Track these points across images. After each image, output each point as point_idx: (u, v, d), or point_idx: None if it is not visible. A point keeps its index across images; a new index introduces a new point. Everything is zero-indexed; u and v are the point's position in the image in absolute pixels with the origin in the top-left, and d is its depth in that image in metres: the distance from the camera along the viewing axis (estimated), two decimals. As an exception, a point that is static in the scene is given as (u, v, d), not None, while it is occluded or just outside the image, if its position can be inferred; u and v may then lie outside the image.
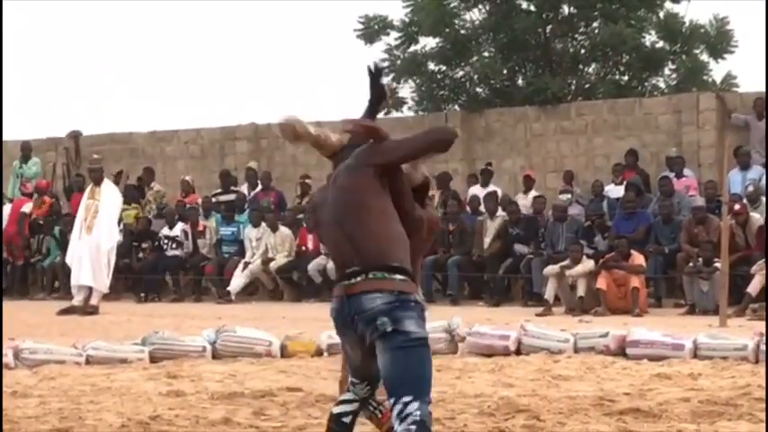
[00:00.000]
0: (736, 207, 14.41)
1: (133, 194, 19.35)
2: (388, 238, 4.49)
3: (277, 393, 8.01)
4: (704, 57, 21.26)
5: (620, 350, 9.65)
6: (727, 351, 9.29)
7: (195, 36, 45.78)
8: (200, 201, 19.02)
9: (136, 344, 10.27)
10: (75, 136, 20.74)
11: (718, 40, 20.82)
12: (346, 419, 4.83)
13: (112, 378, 8.97)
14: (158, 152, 21.88)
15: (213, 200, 18.83)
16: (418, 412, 4.27)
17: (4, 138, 22.95)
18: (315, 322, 11.43)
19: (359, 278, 4.45)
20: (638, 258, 14.51)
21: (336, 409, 4.87)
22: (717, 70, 21.31)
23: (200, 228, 18.33)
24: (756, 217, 14.72)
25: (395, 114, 21.57)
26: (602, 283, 14.35)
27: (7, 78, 46.27)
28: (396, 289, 4.40)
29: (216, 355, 10.11)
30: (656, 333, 9.85)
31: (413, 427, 4.26)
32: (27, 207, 19.82)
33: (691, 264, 14.27)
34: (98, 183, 15.88)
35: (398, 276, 4.43)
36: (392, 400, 4.34)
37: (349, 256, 4.50)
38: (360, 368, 4.71)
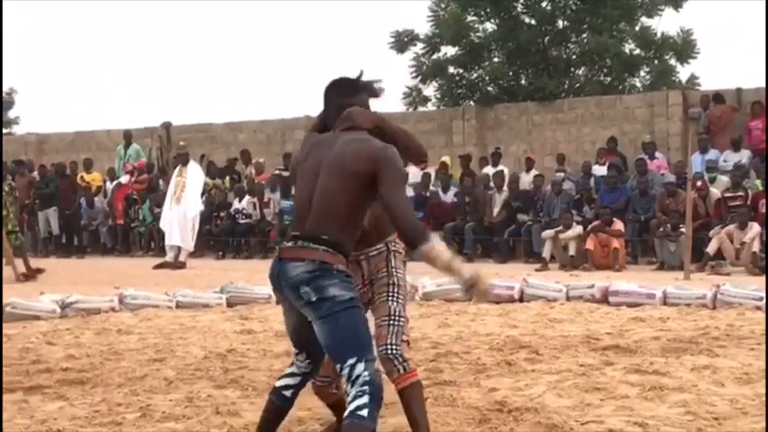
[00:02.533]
0: (698, 183, 14.35)
1: (211, 172, 19.42)
2: (336, 217, 3.70)
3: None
4: (672, 61, 21.18)
5: (604, 299, 9.60)
6: (690, 299, 9.23)
7: (264, 44, 45.84)
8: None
9: (216, 292, 10.33)
10: (166, 126, 20.73)
11: (684, 48, 20.72)
12: (287, 393, 4.05)
13: (197, 319, 9.02)
14: (232, 139, 21.92)
15: (276, 172, 18.83)
16: (366, 372, 3.60)
17: (111, 127, 23.13)
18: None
19: (291, 243, 3.78)
20: (618, 224, 14.42)
21: (279, 383, 4.09)
22: (683, 72, 21.36)
23: (266, 200, 18.36)
24: (714, 191, 14.62)
25: (421, 109, 21.54)
26: (589, 244, 14.28)
27: (116, 78, 46.52)
28: (317, 259, 3.67)
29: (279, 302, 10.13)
30: (633, 285, 9.80)
31: (365, 387, 3.59)
32: (124, 179, 19.99)
33: (661, 229, 14.18)
34: (185, 163, 15.92)
35: (322, 247, 3.67)
36: (339, 366, 3.67)
37: (302, 218, 3.79)
38: (296, 331, 3.95)
